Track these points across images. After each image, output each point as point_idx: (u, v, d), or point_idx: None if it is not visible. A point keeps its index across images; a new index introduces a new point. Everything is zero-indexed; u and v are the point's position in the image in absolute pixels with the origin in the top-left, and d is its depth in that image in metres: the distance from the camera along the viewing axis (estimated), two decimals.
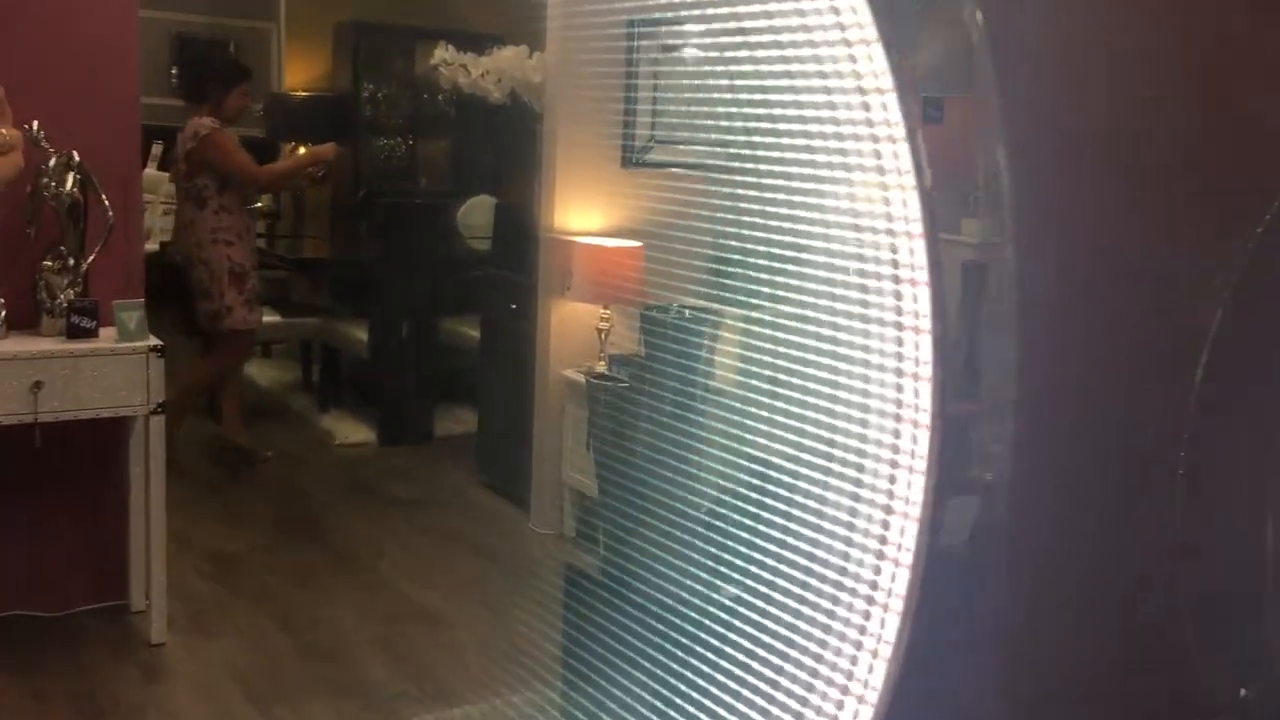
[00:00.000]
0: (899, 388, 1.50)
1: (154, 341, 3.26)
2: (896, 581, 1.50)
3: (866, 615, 1.54)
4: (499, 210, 5.38)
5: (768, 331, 1.92)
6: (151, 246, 7.57)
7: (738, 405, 2.07)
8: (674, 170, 4.25)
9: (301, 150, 6.25)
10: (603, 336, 4.19)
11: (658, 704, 2.32)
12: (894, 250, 1.50)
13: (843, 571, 1.59)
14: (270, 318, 5.29)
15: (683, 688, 2.12)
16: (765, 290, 2.24)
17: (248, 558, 4.07)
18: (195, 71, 5.74)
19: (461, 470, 5.00)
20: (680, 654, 2.18)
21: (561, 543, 4.32)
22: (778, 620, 1.75)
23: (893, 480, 1.51)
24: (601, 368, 4.15)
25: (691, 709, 2.06)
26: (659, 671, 2.33)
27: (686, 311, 2.39)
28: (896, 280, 1.49)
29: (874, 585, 1.53)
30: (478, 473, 4.92)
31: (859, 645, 1.55)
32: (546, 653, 2.81)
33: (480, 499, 4.76)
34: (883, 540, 1.52)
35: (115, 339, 3.23)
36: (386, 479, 4.98)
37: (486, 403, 5.02)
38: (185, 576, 3.75)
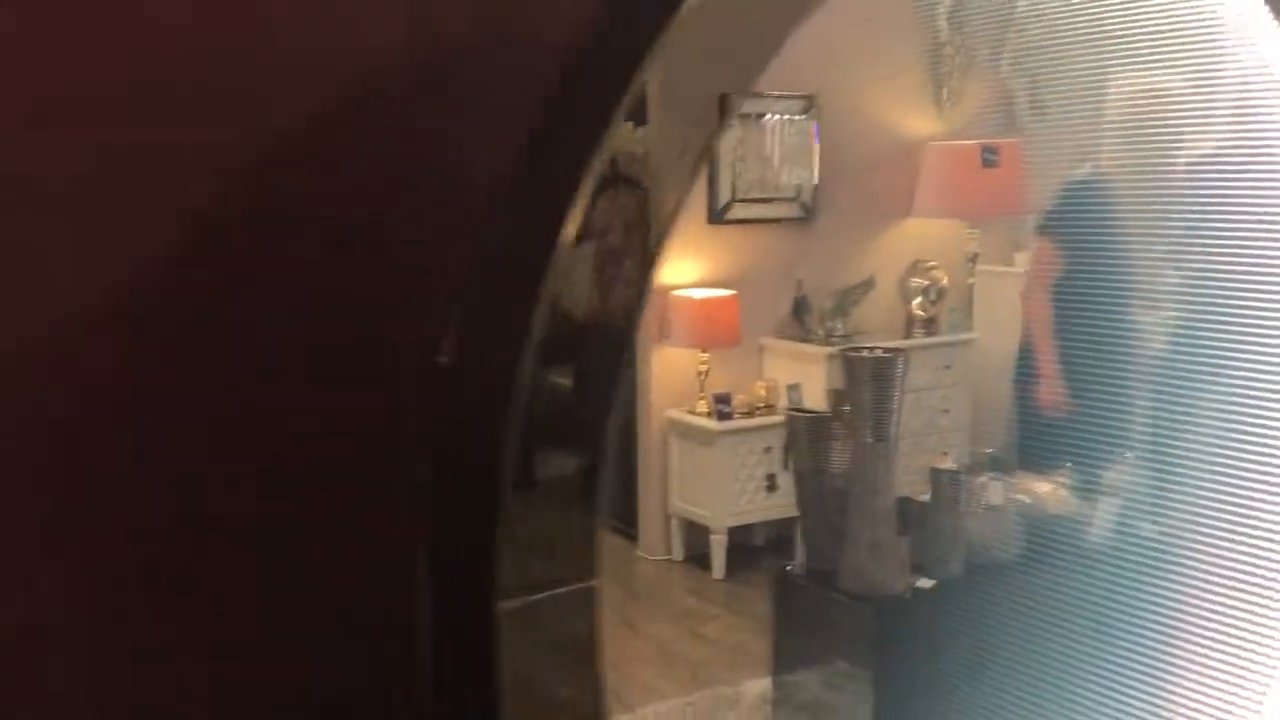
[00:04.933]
0: None
1: None
2: None
3: None
4: None
5: None
6: None
7: None
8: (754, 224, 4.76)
9: None
10: (702, 379, 4.65)
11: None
12: None
13: None
14: None
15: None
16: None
17: None
18: None
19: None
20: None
21: (672, 567, 4.73)
22: None
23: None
24: (702, 407, 4.61)
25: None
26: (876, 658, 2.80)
27: (880, 351, 2.87)
28: None
29: None
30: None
31: None
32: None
33: None
34: None
35: None
36: None
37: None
38: None
